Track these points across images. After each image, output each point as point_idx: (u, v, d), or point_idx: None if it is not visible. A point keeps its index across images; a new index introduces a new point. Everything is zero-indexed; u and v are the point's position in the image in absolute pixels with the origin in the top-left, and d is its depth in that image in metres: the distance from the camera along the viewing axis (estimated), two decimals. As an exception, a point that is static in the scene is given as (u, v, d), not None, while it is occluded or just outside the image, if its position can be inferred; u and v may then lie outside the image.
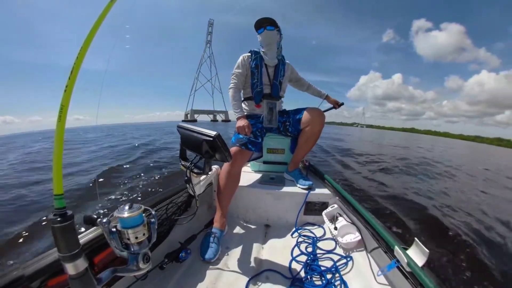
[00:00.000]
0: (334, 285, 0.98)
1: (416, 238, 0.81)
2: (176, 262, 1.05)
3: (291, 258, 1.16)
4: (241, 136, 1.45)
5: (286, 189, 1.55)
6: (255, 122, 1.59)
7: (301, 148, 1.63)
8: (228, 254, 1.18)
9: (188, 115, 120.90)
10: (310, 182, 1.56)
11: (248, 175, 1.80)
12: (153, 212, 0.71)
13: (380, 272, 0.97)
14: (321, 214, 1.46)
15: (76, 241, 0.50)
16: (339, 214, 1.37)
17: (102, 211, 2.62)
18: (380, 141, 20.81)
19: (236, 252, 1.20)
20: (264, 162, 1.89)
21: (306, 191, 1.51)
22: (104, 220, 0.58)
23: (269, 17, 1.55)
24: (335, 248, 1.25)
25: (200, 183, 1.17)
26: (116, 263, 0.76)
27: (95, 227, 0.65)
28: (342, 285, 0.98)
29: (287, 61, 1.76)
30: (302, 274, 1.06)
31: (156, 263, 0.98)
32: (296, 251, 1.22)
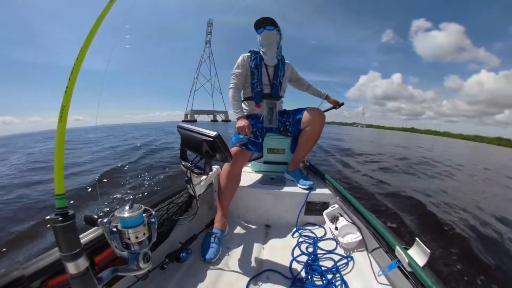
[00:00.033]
0: (335, 285, 0.98)
1: (417, 238, 0.81)
2: (177, 262, 1.05)
3: (291, 258, 1.16)
4: (241, 136, 1.45)
5: (286, 189, 1.55)
6: (255, 122, 1.59)
7: (302, 148, 1.63)
8: (228, 254, 1.18)
9: (188, 115, 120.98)
10: (311, 182, 1.55)
11: (249, 175, 1.80)
12: (153, 212, 0.71)
13: (381, 272, 0.97)
14: (321, 214, 1.46)
15: (77, 241, 0.50)
16: (339, 214, 1.37)
17: (103, 211, 2.62)
18: (380, 140, 20.81)
19: (236, 252, 1.20)
20: (265, 162, 1.89)
21: (306, 191, 1.51)
22: (105, 220, 0.58)
23: (269, 17, 1.55)
24: (335, 248, 1.25)
25: (200, 183, 1.17)
26: (117, 263, 0.76)
27: (96, 227, 0.65)
28: (343, 285, 0.98)
29: (287, 61, 1.76)
30: (303, 274, 1.06)
31: (157, 263, 0.98)
32: (297, 251, 1.22)
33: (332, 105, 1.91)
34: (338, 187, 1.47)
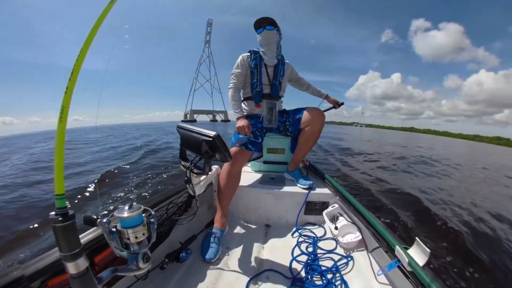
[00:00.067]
0: (335, 285, 0.98)
1: (417, 238, 0.81)
2: (177, 262, 1.05)
3: (291, 258, 1.16)
4: (241, 136, 1.45)
5: (286, 189, 1.55)
6: (255, 122, 1.59)
7: (301, 147, 1.63)
8: (228, 254, 1.18)
9: (188, 115, 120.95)
10: (311, 182, 1.55)
11: (249, 175, 1.80)
12: (152, 212, 0.71)
13: (380, 272, 0.97)
14: (321, 214, 1.46)
15: (77, 241, 0.50)
16: (339, 213, 1.37)
17: (103, 211, 2.62)
18: (379, 140, 20.79)
19: (236, 252, 1.20)
20: (264, 162, 1.89)
21: (306, 191, 1.51)
22: (104, 220, 0.58)
23: (269, 17, 1.55)
24: (335, 248, 1.25)
25: (200, 183, 1.17)
26: (116, 263, 0.76)
27: (95, 227, 0.65)
28: (343, 285, 0.98)
29: (287, 61, 1.76)
30: (303, 274, 1.06)
31: (156, 263, 0.98)
32: (297, 251, 1.22)
33: (331, 105, 1.91)
34: (337, 187, 1.47)
